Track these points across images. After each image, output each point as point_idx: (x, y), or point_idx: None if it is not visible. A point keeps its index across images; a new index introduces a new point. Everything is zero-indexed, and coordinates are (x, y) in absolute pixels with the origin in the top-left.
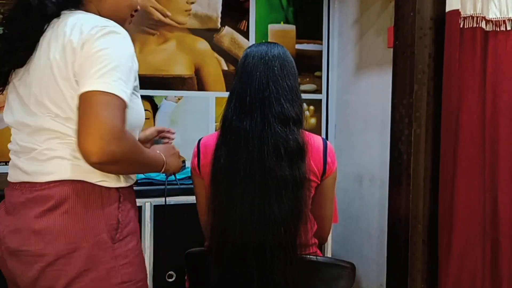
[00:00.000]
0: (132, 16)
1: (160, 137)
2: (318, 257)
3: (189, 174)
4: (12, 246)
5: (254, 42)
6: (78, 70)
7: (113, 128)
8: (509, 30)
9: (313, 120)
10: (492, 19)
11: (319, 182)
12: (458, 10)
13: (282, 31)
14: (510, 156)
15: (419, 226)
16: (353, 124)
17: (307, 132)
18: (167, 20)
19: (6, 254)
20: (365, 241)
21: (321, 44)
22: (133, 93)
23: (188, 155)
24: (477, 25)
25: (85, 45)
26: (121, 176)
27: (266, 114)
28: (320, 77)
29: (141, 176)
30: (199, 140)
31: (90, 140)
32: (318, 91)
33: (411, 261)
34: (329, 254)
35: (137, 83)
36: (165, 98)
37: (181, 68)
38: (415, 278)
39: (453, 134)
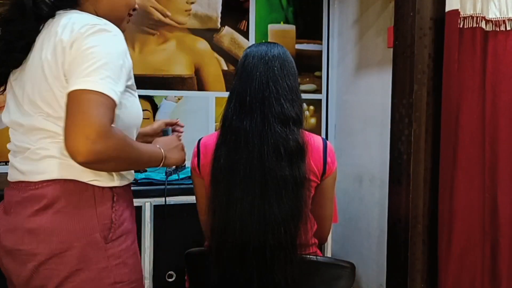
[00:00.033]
0: (130, 15)
1: (172, 130)
2: (318, 257)
3: (189, 174)
4: (8, 245)
5: (254, 42)
6: (68, 69)
7: (98, 127)
8: (509, 30)
9: (313, 120)
10: (492, 19)
11: (319, 182)
12: (457, 10)
13: (282, 31)
14: (509, 156)
15: (419, 226)
16: (353, 124)
17: (307, 132)
18: (167, 20)
19: (2, 253)
20: (365, 241)
21: (321, 44)
22: (127, 91)
23: (188, 155)
24: (477, 25)
25: (74, 44)
26: (115, 176)
27: (266, 114)
28: (320, 77)
29: (141, 176)
30: (199, 140)
31: (76, 139)
32: (318, 91)
33: (411, 261)
34: (329, 254)
35: (132, 81)
36: (165, 98)
37: (181, 68)
38: (415, 278)
39: (452, 134)
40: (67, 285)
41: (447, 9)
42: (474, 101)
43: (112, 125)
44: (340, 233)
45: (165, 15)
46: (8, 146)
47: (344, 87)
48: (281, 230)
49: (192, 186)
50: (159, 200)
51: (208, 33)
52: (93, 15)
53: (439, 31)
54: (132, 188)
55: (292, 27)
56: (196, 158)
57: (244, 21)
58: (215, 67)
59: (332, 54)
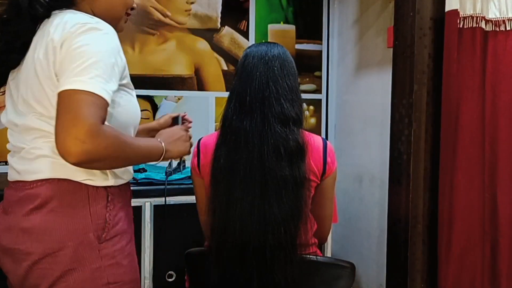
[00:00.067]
0: (128, 14)
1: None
2: (318, 257)
3: (189, 174)
4: (5, 244)
5: (254, 42)
6: (59, 68)
7: (88, 126)
8: (508, 30)
9: (313, 120)
10: (492, 19)
11: (319, 182)
12: (456, 10)
13: (282, 31)
14: (509, 156)
15: (419, 226)
16: (353, 124)
17: (307, 132)
18: (167, 20)
19: (1, 252)
20: (365, 241)
21: (321, 44)
22: (122, 89)
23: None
24: (477, 25)
25: (64, 43)
26: (109, 175)
27: (266, 114)
28: (320, 77)
29: (141, 176)
30: (199, 140)
31: (65, 140)
32: (318, 91)
33: (411, 261)
34: (329, 254)
35: (127, 80)
36: (165, 98)
37: (181, 68)
38: (415, 278)
39: (452, 134)
40: (60, 285)
41: (447, 9)
42: (474, 101)
43: (106, 123)
44: (340, 233)
45: (165, 15)
46: (7, 146)
47: (344, 87)
48: (281, 230)
49: (192, 186)
50: (159, 200)
51: (208, 33)
52: (86, 14)
53: (439, 31)
54: (132, 188)
55: (292, 27)
56: (196, 158)
57: (244, 21)
58: (215, 67)
59: (332, 54)
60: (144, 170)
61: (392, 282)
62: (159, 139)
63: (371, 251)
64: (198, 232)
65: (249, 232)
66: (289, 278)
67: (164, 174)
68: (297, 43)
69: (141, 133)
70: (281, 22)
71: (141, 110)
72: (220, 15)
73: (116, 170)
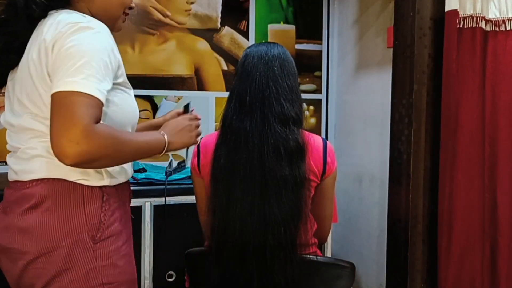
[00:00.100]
0: (126, 14)
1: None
2: (318, 257)
3: (189, 174)
4: (2, 243)
5: (254, 42)
6: (51, 70)
7: (81, 127)
8: (508, 30)
9: (312, 120)
10: (492, 19)
11: (319, 182)
12: (456, 10)
13: (282, 31)
14: (509, 156)
15: (419, 226)
16: (353, 124)
17: (307, 132)
18: (167, 20)
19: None
20: (365, 241)
21: (321, 44)
22: (118, 88)
23: (188, 155)
24: (477, 25)
25: (55, 45)
26: (105, 175)
27: (266, 114)
28: (320, 77)
29: (141, 176)
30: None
31: (60, 143)
32: (318, 91)
33: (411, 261)
34: (329, 254)
35: (123, 78)
36: (165, 98)
37: (181, 68)
38: (415, 278)
39: (452, 134)
40: (54, 285)
41: (447, 9)
42: (473, 101)
43: (101, 122)
44: (340, 233)
45: (165, 15)
46: (7, 147)
47: (344, 87)
48: (281, 230)
49: (192, 186)
50: (159, 200)
51: (208, 33)
52: (80, 14)
53: (439, 31)
54: (132, 188)
55: (292, 27)
56: (196, 158)
57: (244, 21)
58: (215, 67)
59: (332, 54)
60: (144, 170)
61: (392, 282)
62: (162, 132)
63: (371, 251)
64: (198, 232)
65: (249, 232)
66: (289, 278)
67: (164, 174)
68: (297, 43)
69: (146, 130)
70: (281, 22)
71: (141, 110)
72: (220, 15)
73: (111, 171)
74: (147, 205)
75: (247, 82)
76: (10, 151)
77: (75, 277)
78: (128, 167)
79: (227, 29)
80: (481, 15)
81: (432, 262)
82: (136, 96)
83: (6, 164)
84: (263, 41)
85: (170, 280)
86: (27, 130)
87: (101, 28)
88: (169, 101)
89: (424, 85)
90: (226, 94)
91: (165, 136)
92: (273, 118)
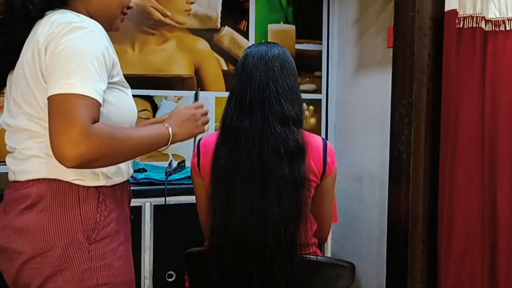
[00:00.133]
0: (124, 13)
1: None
2: (318, 257)
3: (189, 174)
4: (0, 243)
5: (254, 42)
6: (45, 71)
7: (79, 128)
8: (508, 30)
9: (312, 120)
10: (492, 19)
11: (319, 182)
12: (456, 10)
13: (282, 31)
14: (509, 156)
15: (419, 226)
16: (353, 124)
17: (307, 132)
18: (167, 20)
19: None
20: (365, 241)
21: (321, 44)
22: (115, 87)
23: (188, 155)
24: (477, 25)
25: (48, 46)
26: (101, 176)
27: (266, 114)
28: (319, 77)
29: (141, 176)
30: (199, 140)
31: (60, 145)
32: (317, 91)
33: (410, 261)
34: (329, 254)
35: (120, 77)
36: (165, 98)
37: (181, 68)
38: (415, 278)
39: (452, 134)
40: (49, 285)
41: (447, 9)
42: (473, 101)
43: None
44: (340, 233)
45: (165, 15)
46: (7, 147)
47: (344, 87)
48: (281, 230)
49: (192, 186)
50: (159, 200)
51: (208, 33)
52: (74, 14)
53: (439, 31)
54: (132, 188)
55: (292, 27)
56: (196, 158)
57: (244, 21)
58: (215, 67)
59: (332, 54)
60: (144, 170)
61: (392, 282)
62: (166, 124)
63: (371, 251)
64: (198, 232)
65: (249, 232)
66: (289, 278)
67: (164, 174)
68: (297, 43)
69: None
70: (281, 22)
71: (141, 110)
72: (220, 15)
73: (107, 171)
74: (147, 205)
75: (247, 82)
76: (9, 152)
77: (70, 278)
78: (126, 167)
79: (227, 29)
80: (481, 15)
81: (432, 262)
82: (136, 96)
83: (6, 164)
84: (263, 41)
85: (170, 280)
86: (23, 130)
87: (95, 27)
88: (169, 101)
89: (424, 85)
90: (226, 94)
91: (169, 129)
92: (273, 118)
